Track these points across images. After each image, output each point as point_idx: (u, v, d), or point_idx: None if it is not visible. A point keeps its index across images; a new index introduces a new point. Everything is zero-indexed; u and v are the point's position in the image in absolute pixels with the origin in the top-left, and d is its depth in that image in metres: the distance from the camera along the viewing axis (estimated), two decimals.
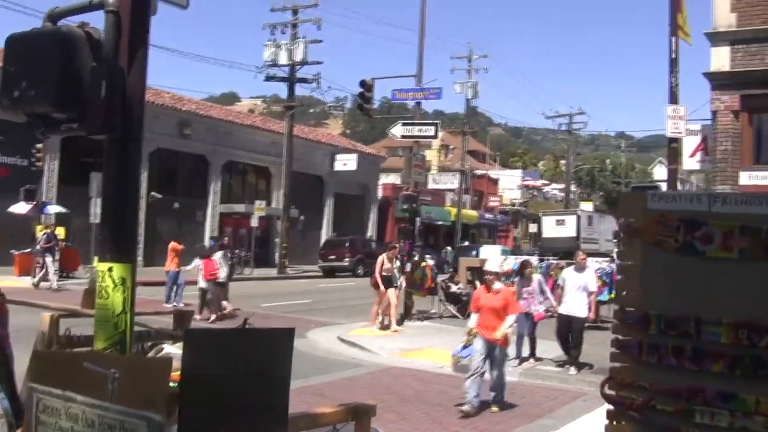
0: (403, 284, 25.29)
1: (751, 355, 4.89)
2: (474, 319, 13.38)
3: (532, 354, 18.25)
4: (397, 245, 26.32)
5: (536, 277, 19.02)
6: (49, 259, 31.87)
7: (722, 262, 5.03)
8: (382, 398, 13.69)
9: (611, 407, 5.46)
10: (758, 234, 4.94)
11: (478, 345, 13.08)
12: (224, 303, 24.52)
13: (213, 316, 23.85)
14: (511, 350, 17.27)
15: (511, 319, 13.30)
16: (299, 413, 4.54)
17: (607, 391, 5.44)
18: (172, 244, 27.67)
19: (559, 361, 17.82)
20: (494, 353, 13.14)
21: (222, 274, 24.85)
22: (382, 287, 23.43)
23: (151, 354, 6.00)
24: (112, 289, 5.48)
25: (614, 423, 5.40)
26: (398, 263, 24.80)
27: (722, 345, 4.95)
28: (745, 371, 4.89)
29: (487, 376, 13.36)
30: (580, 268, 17.57)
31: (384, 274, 23.64)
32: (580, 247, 49.03)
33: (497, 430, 12.30)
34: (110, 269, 5.52)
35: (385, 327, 23.17)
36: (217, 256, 25.31)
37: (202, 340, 3.91)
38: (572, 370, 17.01)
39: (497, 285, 13.44)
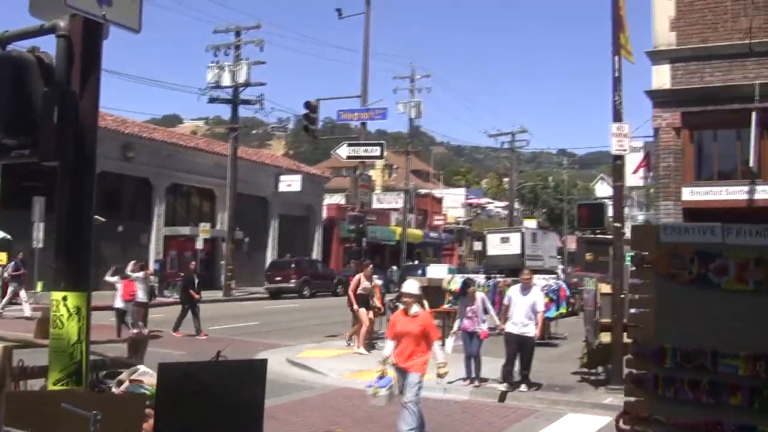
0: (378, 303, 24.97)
1: None
2: (390, 346, 11.96)
3: (477, 375, 17.57)
4: (371, 263, 26.26)
5: (479, 296, 18.25)
6: (12, 288, 31.37)
7: (738, 294, 4.97)
8: (335, 420, 13.66)
9: None
10: None
11: (395, 375, 11.81)
12: (140, 324, 24.39)
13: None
14: (460, 372, 17.33)
15: (438, 351, 11.97)
16: None
17: (622, 426, 5.36)
18: (130, 265, 27.27)
19: (508, 384, 17.05)
20: (406, 381, 11.64)
21: (141, 294, 24.95)
22: (355, 306, 23.47)
23: (124, 374, 5.86)
24: (67, 318, 5.38)
25: None
26: (377, 281, 25.00)
27: (740, 377, 4.88)
28: (764, 404, 4.83)
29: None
30: (526, 287, 17.15)
31: (360, 292, 23.58)
32: (525, 264, 49.62)
33: None
34: (65, 298, 5.42)
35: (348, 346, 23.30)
36: (137, 276, 25.19)
37: (176, 374, 3.83)
38: (523, 387, 16.86)
39: (415, 309, 11.78)
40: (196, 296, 26.83)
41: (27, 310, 30.19)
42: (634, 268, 5.39)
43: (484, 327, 17.88)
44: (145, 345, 7.14)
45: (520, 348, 16.92)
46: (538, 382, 17.38)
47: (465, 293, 18.63)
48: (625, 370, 5.29)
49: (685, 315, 5.13)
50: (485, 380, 17.65)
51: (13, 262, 32.00)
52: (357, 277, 24.17)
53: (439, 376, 12.23)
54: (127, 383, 5.52)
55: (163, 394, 3.65)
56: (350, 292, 23.86)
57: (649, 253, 5.28)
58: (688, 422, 5.00)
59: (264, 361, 4.16)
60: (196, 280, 27.60)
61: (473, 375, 17.61)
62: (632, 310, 5.40)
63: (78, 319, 5.39)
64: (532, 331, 16.89)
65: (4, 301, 31.13)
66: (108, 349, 7.52)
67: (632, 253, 5.42)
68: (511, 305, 17.02)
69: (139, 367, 6.13)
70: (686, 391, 5.06)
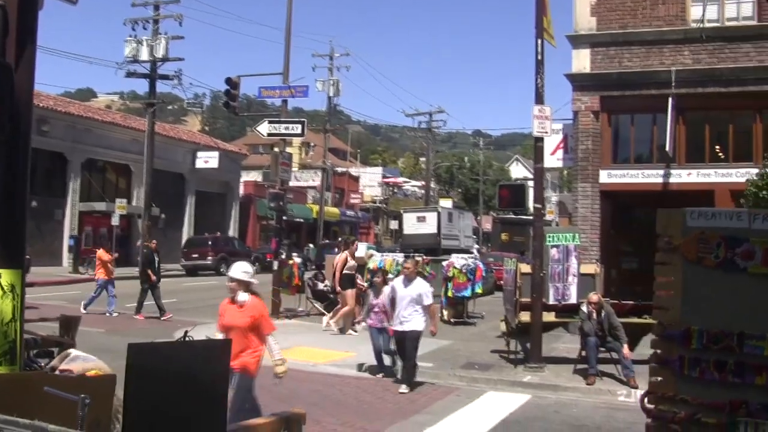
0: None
1: None
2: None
3: (391, 372, 16.45)
4: (355, 240, 25.67)
5: (387, 289, 16.21)
6: None
7: (764, 278, 5.09)
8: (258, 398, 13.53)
9: (650, 421, 5.45)
10: None
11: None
12: None
13: None
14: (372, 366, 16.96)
15: (274, 346, 10.05)
16: (236, 426, 4.44)
17: (647, 405, 5.44)
18: (99, 253, 26.96)
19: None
20: (232, 384, 9.33)
21: None
22: (338, 288, 22.97)
23: (56, 360, 5.72)
24: (1, 296, 5.23)
25: None
26: (296, 259, 24.52)
27: (765, 358, 5.01)
28: None
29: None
30: (409, 279, 15.33)
31: (347, 272, 22.97)
32: (441, 243, 49.92)
33: (374, 428, 12.28)
34: None
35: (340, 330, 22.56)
36: None
37: (145, 354, 3.76)
38: (403, 388, 15.06)
39: (242, 297, 9.92)
40: (152, 278, 25.94)
41: None
42: (660, 252, 5.46)
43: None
44: (77, 324, 7.00)
45: (401, 343, 15.38)
46: (460, 360, 17.50)
47: (373, 284, 17.70)
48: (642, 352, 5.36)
49: (712, 298, 5.25)
50: (393, 377, 16.25)
51: None
52: (343, 255, 23.26)
53: (276, 375, 10.11)
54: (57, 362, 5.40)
55: (133, 374, 3.58)
56: (337, 273, 23.05)
57: (675, 238, 5.36)
58: (713, 402, 5.11)
59: (228, 341, 4.12)
60: (157, 259, 26.75)
61: (384, 372, 16.54)
62: (658, 293, 5.47)
63: (12, 297, 5.24)
64: (416, 325, 15.06)
65: None
66: (40, 327, 7.37)
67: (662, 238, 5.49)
68: (396, 298, 15.32)
69: (70, 351, 5.98)
70: (712, 371, 5.20)
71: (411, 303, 15.03)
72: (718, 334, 5.18)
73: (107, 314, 25.00)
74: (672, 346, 5.30)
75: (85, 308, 24.56)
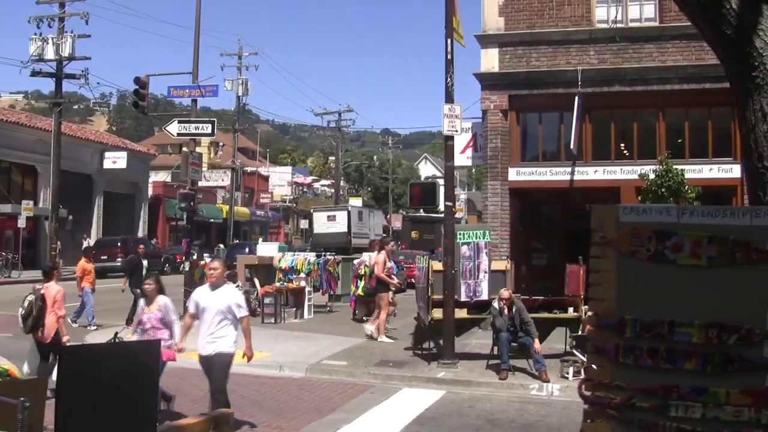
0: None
1: (720, 353, 5.31)
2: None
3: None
4: (391, 240, 24.04)
5: (162, 300, 12.42)
6: None
7: (692, 269, 5.36)
8: (174, 400, 13.39)
9: (587, 407, 5.60)
10: (725, 243, 5.38)
11: None
12: None
13: None
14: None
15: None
16: (166, 425, 4.38)
17: (584, 392, 5.59)
18: (81, 263, 24.95)
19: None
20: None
21: None
22: (389, 290, 21.48)
23: None
24: None
25: (591, 422, 5.57)
26: (207, 260, 23.88)
27: (694, 345, 5.36)
28: (716, 367, 5.32)
29: None
30: (215, 286, 11.61)
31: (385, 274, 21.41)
32: (351, 242, 49.94)
33: (291, 427, 12.25)
34: None
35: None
36: None
37: (77, 357, 3.68)
38: None
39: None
40: (124, 286, 25.03)
41: None
42: (594, 246, 5.63)
43: (170, 343, 12.33)
44: None
45: (209, 371, 11.80)
46: (374, 358, 17.54)
47: (143, 293, 12.93)
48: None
49: (644, 289, 5.46)
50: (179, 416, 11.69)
51: None
52: (381, 257, 21.47)
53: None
54: None
55: (65, 377, 3.50)
56: (380, 275, 21.29)
57: (608, 232, 5.54)
58: (647, 386, 5.32)
59: (157, 342, 4.07)
60: (145, 265, 25.72)
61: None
62: (593, 286, 5.66)
63: None
64: (224, 346, 11.45)
65: None
66: None
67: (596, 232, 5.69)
68: (199, 312, 11.64)
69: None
70: (645, 358, 5.41)
71: (219, 316, 11.37)
72: (651, 323, 5.41)
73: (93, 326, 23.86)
74: (607, 335, 5.50)
75: (74, 322, 23.44)
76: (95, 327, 23.50)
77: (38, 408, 3.67)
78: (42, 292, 14.04)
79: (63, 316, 14.39)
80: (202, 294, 11.74)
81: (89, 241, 52.81)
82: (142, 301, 12.52)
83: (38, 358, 14.05)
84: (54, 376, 11.59)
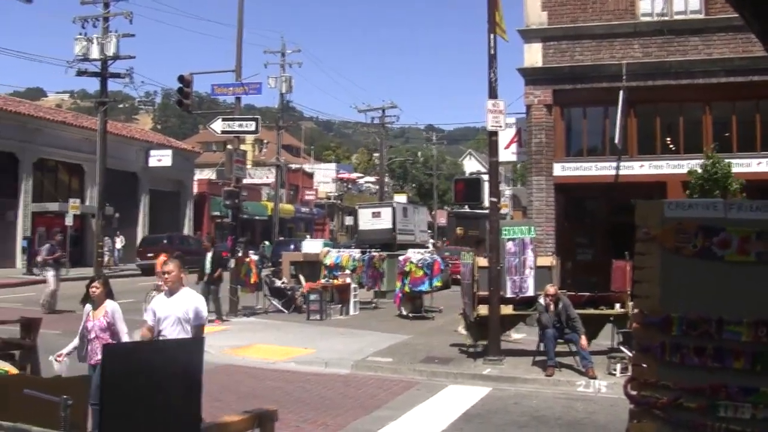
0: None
1: None
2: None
3: None
4: (484, 239, 23.26)
5: (110, 306, 10.97)
6: (51, 275, 26.67)
7: (740, 266, 5.27)
8: (219, 397, 13.55)
9: (633, 407, 5.55)
10: None
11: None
12: None
13: None
14: None
15: None
16: (209, 423, 4.42)
17: (630, 391, 5.54)
18: (161, 259, 23.28)
19: None
20: None
21: None
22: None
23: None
24: None
25: (636, 422, 5.51)
26: (252, 256, 23.58)
27: (743, 343, 5.23)
28: (766, 367, 5.21)
29: None
30: (172, 291, 10.46)
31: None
32: (396, 239, 49.94)
33: (336, 423, 12.29)
34: None
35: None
36: None
37: (121, 355, 3.73)
38: None
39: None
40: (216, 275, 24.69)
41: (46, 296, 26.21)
42: (639, 242, 5.57)
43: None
44: (37, 326, 6.92)
45: None
46: (419, 355, 17.56)
47: (89, 296, 11.22)
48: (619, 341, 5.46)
49: (690, 286, 5.39)
50: None
51: (47, 245, 28.12)
52: (479, 258, 19.55)
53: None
54: None
55: (109, 375, 3.55)
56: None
57: (653, 228, 5.48)
58: (694, 386, 5.24)
59: (201, 340, 4.11)
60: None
61: None
62: (637, 283, 5.60)
63: None
64: None
65: (48, 292, 26.40)
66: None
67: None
68: (156, 320, 10.34)
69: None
70: (692, 356, 5.33)
71: (178, 326, 10.20)
72: (697, 321, 5.33)
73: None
74: (653, 333, 5.43)
75: None
76: None
77: (81, 406, 3.70)
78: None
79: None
80: (158, 303, 10.62)
81: (122, 240, 53.35)
82: (88, 306, 11.16)
83: None
84: None
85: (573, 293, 17.95)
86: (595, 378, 15.16)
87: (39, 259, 29.11)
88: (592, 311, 17.60)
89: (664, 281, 5.48)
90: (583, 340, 15.87)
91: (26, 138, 48.04)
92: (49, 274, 26.78)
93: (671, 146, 23.94)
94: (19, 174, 48.10)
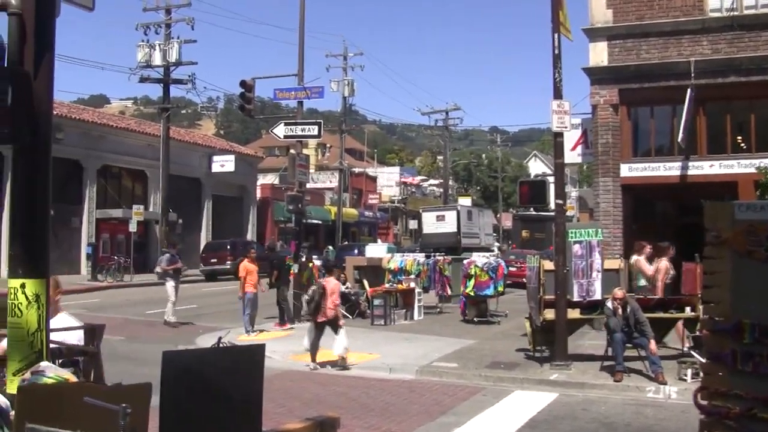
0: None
1: None
2: None
3: None
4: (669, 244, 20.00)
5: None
6: (171, 286, 25.62)
7: None
8: (284, 403, 13.61)
9: (704, 417, 5.41)
10: None
11: None
12: None
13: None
14: None
15: None
16: (271, 430, 4.43)
17: (700, 401, 5.40)
18: (245, 264, 23.99)
19: None
20: None
21: None
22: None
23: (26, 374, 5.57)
24: (26, 306, 5.24)
25: None
26: (316, 261, 23.58)
27: None
28: None
29: None
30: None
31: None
32: (461, 242, 49.78)
33: (399, 430, 12.28)
34: (23, 285, 5.28)
35: None
36: None
37: (180, 362, 3.76)
38: None
39: None
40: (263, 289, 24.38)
41: (169, 313, 25.40)
42: (708, 246, 5.43)
43: None
44: (101, 333, 6.98)
45: None
46: (485, 360, 17.49)
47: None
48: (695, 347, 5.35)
49: (763, 291, 5.20)
50: None
51: (167, 255, 27.12)
52: (663, 264, 18.98)
53: None
54: (28, 374, 5.29)
55: (168, 382, 3.57)
56: (660, 283, 18.77)
57: (723, 231, 5.33)
58: None
59: (262, 347, 4.11)
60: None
61: None
62: (707, 288, 5.44)
63: (37, 307, 5.26)
64: None
65: (170, 306, 25.52)
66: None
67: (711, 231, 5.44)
68: None
69: (39, 364, 5.82)
70: (766, 365, 5.14)
71: None
72: None
73: (251, 333, 22.95)
74: (723, 340, 5.26)
75: (247, 332, 22.86)
76: (255, 333, 22.87)
77: (142, 414, 3.72)
78: (323, 284, 17.95)
79: (338, 305, 18.18)
80: None
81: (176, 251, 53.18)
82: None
83: (314, 334, 17.74)
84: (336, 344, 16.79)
85: (642, 296, 17.74)
86: (665, 383, 14.96)
87: (158, 270, 27.99)
88: (661, 315, 17.39)
89: (734, 286, 5.30)
90: (653, 345, 15.67)
91: (90, 145, 48.72)
92: (169, 285, 25.72)
93: (742, 145, 23.57)
94: (84, 181, 48.80)
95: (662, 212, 26.66)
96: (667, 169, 23.33)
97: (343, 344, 17.64)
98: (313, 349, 17.90)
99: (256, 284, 23.44)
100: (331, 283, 18.10)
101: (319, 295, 17.70)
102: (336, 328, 17.79)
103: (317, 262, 28.71)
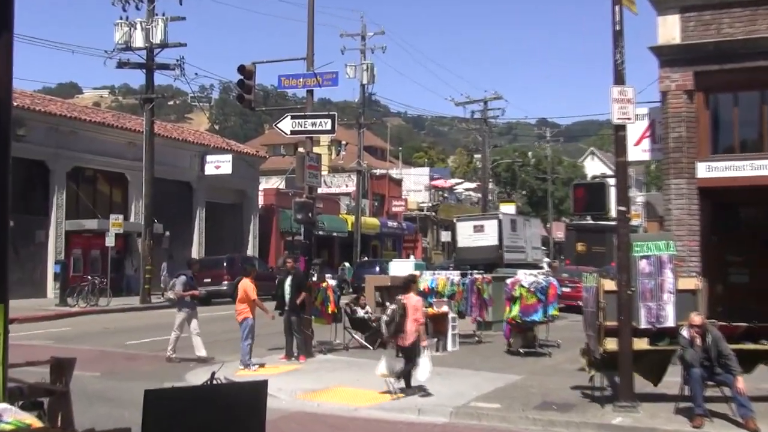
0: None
1: None
2: None
3: None
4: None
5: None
6: (182, 318, 24.76)
7: None
8: None
9: None
10: None
11: None
12: None
13: None
14: None
15: None
16: None
17: None
18: (244, 282, 23.56)
19: None
20: None
21: None
22: None
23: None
24: None
25: None
26: (330, 281, 23.55)
27: None
28: None
29: None
30: None
31: None
32: (504, 257, 49.70)
33: None
34: None
35: None
36: None
37: (165, 402, 3.68)
38: None
39: None
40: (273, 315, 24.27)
41: (199, 347, 24.59)
42: None
43: None
44: (71, 368, 6.89)
45: None
46: (533, 400, 17.36)
47: None
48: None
49: None
50: None
51: (182, 277, 25.69)
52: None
53: None
54: None
55: (151, 427, 3.49)
56: None
57: None
58: None
59: (264, 383, 4.03)
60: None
61: None
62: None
63: None
64: None
65: (195, 338, 24.84)
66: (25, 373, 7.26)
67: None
68: None
69: None
70: None
71: None
72: None
73: (252, 367, 22.41)
74: None
75: (247, 366, 22.37)
76: (256, 367, 22.44)
77: None
78: (403, 301, 18.44)
79: (422, 323, 18.74)
80: None
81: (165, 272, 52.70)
82: None
83: (395, 360, 18.66)
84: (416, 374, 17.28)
85: (725, 323, 17.56)
86: (756, 431, 14.79)
87: (171, 295, 27.62)
88: (750, 346, 17.19)
89: None
90: (740, 382, 15.47)
91: (59, 143, 48.86)
92: (180, 316, 24.95)
93: None
94: (51, 186, 48.90)
95: (750, 221, 26.44)
96: (755, 168, 23.09)
97: (428, 368, 18.29)
98: (398, 374, 18.59)
99: (252, 306, 23.09)
100: (412, 299, 18.76)
101: (399, 315, 18.30)
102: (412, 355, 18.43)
103: (331, 282, 28.62)
